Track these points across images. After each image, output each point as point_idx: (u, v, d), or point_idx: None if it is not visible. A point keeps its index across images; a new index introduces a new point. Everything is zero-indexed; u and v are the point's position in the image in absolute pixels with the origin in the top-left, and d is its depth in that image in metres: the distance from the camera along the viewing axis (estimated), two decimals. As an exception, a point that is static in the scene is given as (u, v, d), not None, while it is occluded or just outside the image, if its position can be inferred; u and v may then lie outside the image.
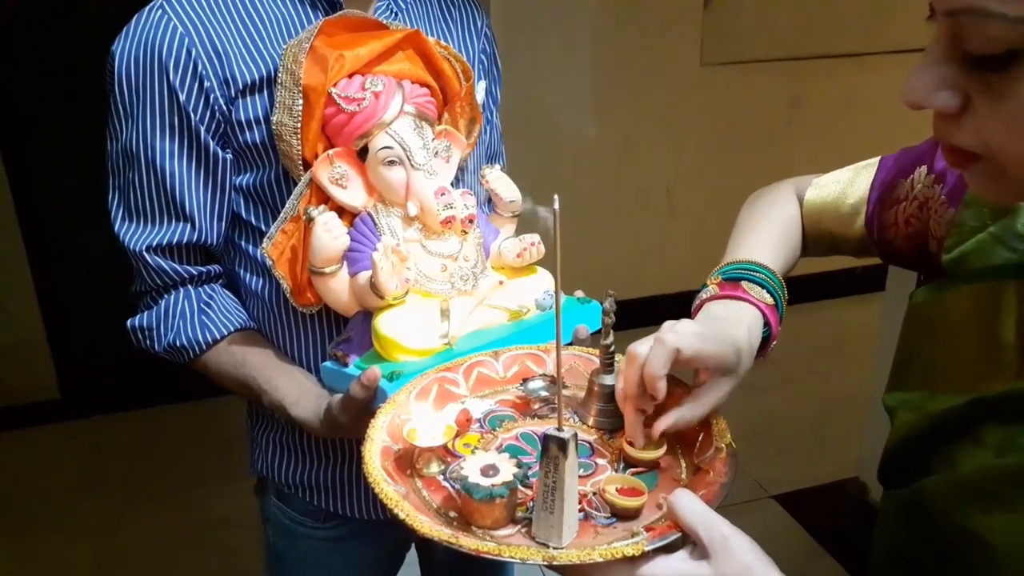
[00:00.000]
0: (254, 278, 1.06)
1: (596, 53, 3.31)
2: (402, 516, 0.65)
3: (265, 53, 0.97)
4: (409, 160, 0.93)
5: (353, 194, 0.95)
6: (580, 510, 0.68)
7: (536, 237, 1.01)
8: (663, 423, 0.74)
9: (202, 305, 1.04)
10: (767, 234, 0.94)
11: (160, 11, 0.96)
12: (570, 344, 0.98)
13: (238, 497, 1.81)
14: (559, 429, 0.64)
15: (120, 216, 1.03)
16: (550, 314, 0.99)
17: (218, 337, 1.03)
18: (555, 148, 3.30)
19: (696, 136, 3.55)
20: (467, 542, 0.62)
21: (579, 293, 1.05)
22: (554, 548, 0.63)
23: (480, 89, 1.11)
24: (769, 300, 0.85)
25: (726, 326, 0.80)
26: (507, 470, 0.67)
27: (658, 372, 0.72)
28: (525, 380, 0.86)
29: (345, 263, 0.94)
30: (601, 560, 0.60)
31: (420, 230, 0.95)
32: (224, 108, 0.97)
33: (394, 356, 0.89)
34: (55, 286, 3.10)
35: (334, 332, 1.04)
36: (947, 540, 0.66)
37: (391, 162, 0.93)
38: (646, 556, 0.61)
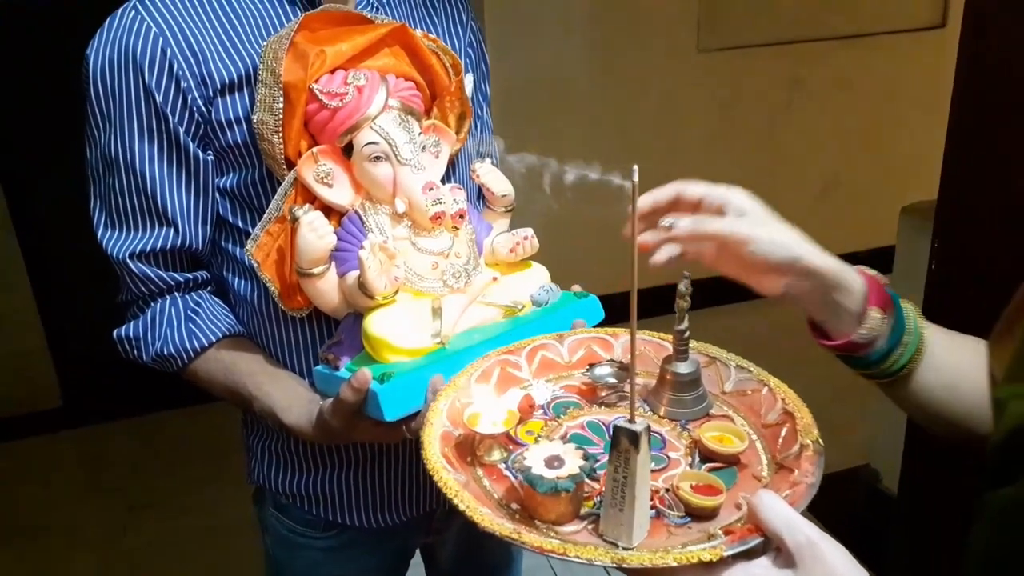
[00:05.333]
0: (242, 283, 1.03)
1: (592, 42, 3.28)
2: (462, 507, 0.61)
3: (243, 51, 0.95)
4: (395, 155, 0.90)
5: (339, 192, 0.92)
6: (652, 507, 0.63)
7: (529, 231, 0.98)
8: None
9: (189, 312, 1.02)
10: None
11: (133, 12, 0.93)
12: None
13: (240, 503, 1.79)
14: (631, 420, 0.59)
15: (102, 224, 1.00)
16: (546, 310, 0.96)
17: (206, 344, 1.00)
18: (551, 137, 3.27)
19: (695, 122, 3.52)
20: (530, 538, 0.58)
21: (576, 287, 1.02)
22: (623, 548, 0.59)
23: (468, 83, 1.08)
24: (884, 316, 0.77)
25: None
26: (573, 462, 0.63)
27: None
28: (591, 365, 0.81)
29: (333, 263, 0.91)
30: (675, 564, 0.56)
31: (410, 227, 0.92)
32: (203, 108, 0.94)
33: (385, 357, 0.87)
34: (54, 294, 3.09)
35: (325, 335, 1.01)
36: None
37: (377, 158, 0.90)
38: (724, 562, 0.56)
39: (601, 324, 0.95)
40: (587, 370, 0.81)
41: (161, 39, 0.92)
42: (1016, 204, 1.12)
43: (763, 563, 0.57)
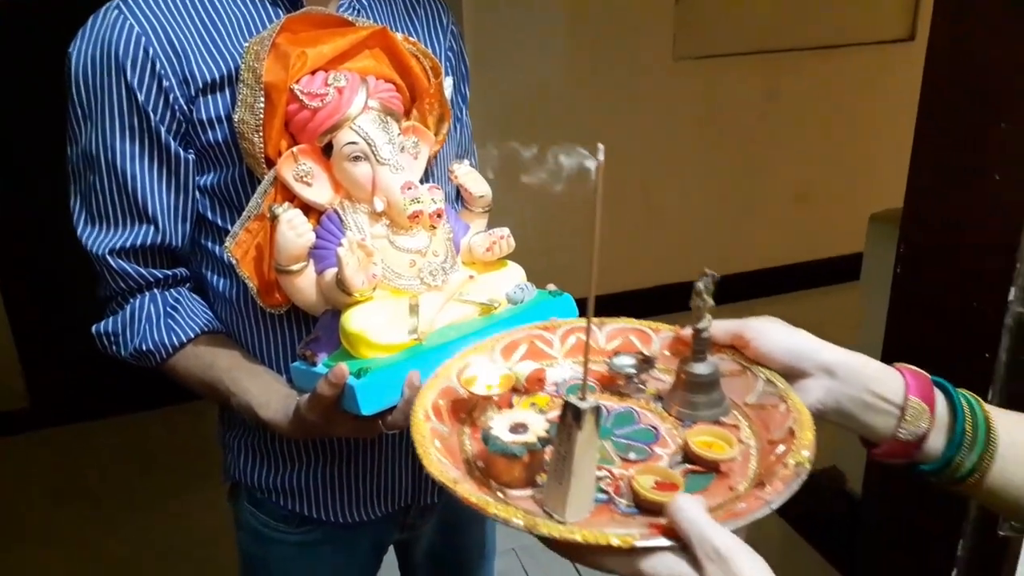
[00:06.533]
0: (221, 280, 1.04)
1: (569, 49, 3.31)
2: (419, 449, 0.63)
3: (225, 51, 0.96)
4: (374, 155, 0.92)
5: (319, 191, 0.94)
6: (605, 491, 0.64)
7: (506, 231, 1.00)
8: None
9: (168, 308, 1.03)
10: None
11: (116, 11, 0.94)
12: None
13: (214, 505, 1.79)
14: (582, 398, 0.60)
15: (83, 220, 1.01)
16: (521, 308, 0.98)
17: (184, 340, 1.01)
18: (529, 144, 3.29)
19: (671, 131, 3.56)
20: (462, 489, 0.59)
21: (551, 286, 1.04)
22: (552, 520, 0.59)
23: (447, 85, 1.10)
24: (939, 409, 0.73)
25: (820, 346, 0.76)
26: (536, 431, 0.64)
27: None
28: (616, 354, 0.82)
29: (312, 261, 0.93)
30: (582, 541, 0.56)
31: (388, 226, 0.94)
32: (184, 107, 0.95)
33: (362, 352, 0.88)
34: (23, 293, 3.06)
35: (303, 332, 1.02)
36: None
37: (356, 157, 0.92)
38: (638, 552, 0.56)
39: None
40: (610, 359, 0.81)
41: (144, 38, 0.93)
42: (977, 212, 1.16)
43: (675, 560, 0.56)
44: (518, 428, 0.65)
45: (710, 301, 0.74)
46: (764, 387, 0.76)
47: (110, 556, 2.53)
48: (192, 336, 1.02)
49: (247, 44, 0.94)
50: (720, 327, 0.78)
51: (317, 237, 0.92)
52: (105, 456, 2.99)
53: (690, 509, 0.57)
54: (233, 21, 0.98)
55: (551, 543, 0.59)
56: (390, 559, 1.33)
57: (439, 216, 0.94)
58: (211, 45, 0.96)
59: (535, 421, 0.66)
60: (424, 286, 0.94)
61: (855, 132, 3.82)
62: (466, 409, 0.74)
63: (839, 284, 3.61)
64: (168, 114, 0.95)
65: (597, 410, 0.60)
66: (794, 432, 0.68)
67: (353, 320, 0.88)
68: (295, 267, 0.91)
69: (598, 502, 0.63)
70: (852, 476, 2.49)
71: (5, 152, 2.91)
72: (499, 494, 0.63)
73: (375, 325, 0.89)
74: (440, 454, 0.64)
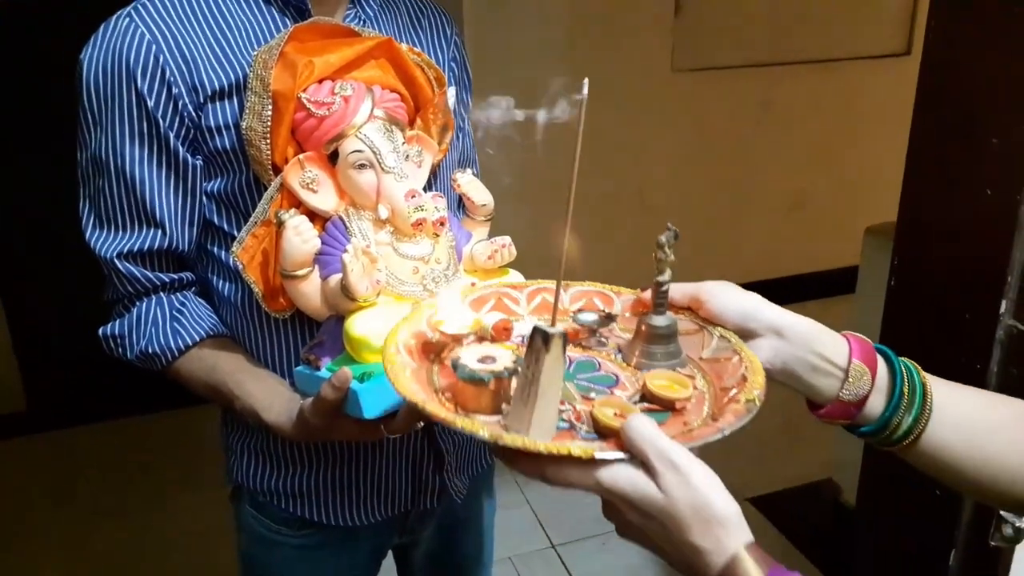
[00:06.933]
0: (226, 284, 1.06)
1: (568, 59, 3.33)
2: (389, 371, 0.67)
3: (233, 60, 0.98)
4: (379, 163, 0.94)
5: (324, 198, 0.95)
6: (567, 420, 0.67)
7: (507, 239, 1.01)
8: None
9: (174, 312, 1.04)
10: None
11: (128, 19, 0.96)
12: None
13: (209, 509, 1.80)
14: (551, 324, 0.62)
15: (91, 224, 1.03)
16: None
17: (190, 343, 1.03)
18: (527, 150, 3.31)
19: (667, 141, 3.58)
20: (433, 408, 0.63)
21: None
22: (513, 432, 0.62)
23: (450, 95, 1.12)
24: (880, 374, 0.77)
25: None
26: (504, 362, 0.67)
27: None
28: (580, 311, 0.85)
29: (316, 267, 0.94)
30: (544, 452, 0.59)
31: (391, 233, 0.95)
32: (193, 114, 0.97)
33: (365, 357, 0.89)
34: (22, 295, 3.06)
35: (306, 337, 1.04)
36: None
37: (361, 165, 0.93)
38: (606, 463, 0.60)
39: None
40: (574, 314, 0.84)
41: (154, 46, 0.95)
42: (969, 226, 1.18)
43: (633, 471, 0.60)
44: (486, 359, 0.68)
45: (671, 255, 0.77)
46: (718, 343, 0.80)
47: (107, 558, 2.53)
48: (197, 340, 1.03)
49: (255, 53, 0.95)
50: (677, 289, 0.82)
51: (322, 243, 0.94)
52: (103, 459, 2.99)
53: (645, 427, 0.60)
54: (241, 30, 0.99)
55: (513, 460, 0.62)
56: (388, 563, 1.34)
57: (442, 224, 0.95)
58: (220, 53, 0.98)
59: (502, 354, 0.69)
60: (427, 293, 0.95)
61: (851, 145, 3.85)
62: (435, 351, 0.76)
63: (835, 297, 3.62)
64: (177, 120, 0.97)
65: (564, 336, 0.63)
66: (746, 378, 0.72)
67: (357, 325, 0.90)
68: (300, 272, 0.93)
69: (560, 429, 0.66)
70: (847, 488, 2.50)
71: (5, 153, 2.91)
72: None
73: (378, 331, 0.90)
74: (410, 381, 0.67)
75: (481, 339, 0.79)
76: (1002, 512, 1.09)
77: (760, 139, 3.73)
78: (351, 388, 0.86)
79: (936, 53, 1.21)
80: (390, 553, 1.34)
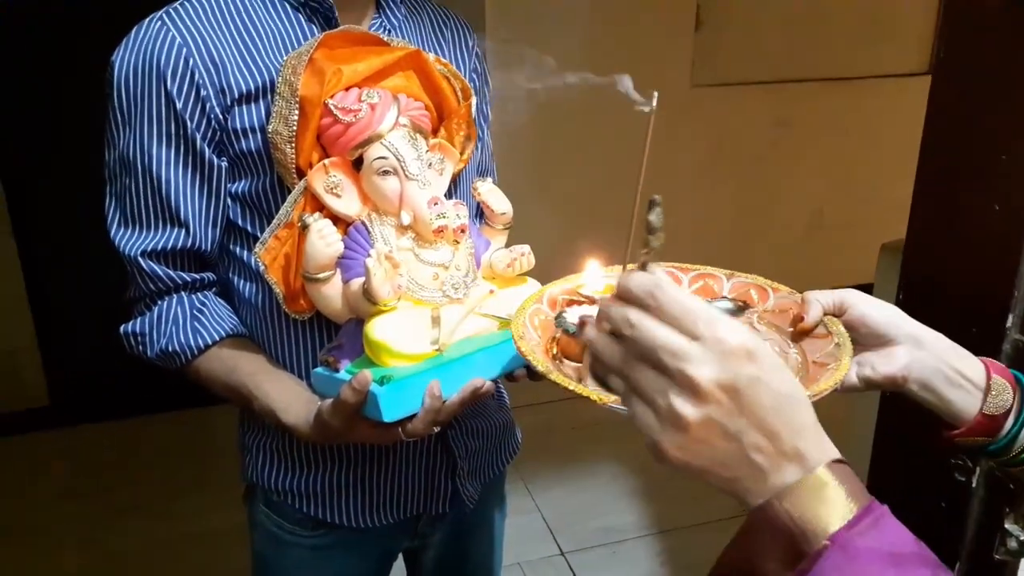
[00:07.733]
0: (247, 285, 1.07)
1: (589, 73, 3.35)
2: (517, 329, 0.80)
3: (261, 64, 0.99)
4: (403, 170, 0.95)
5: (347, 203, 0.97)
6: None
7: (526, 248, 1.03)
8: None
9: (195, 311, 1.06)
10: None
11: (160, 23, 0.98)
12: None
13: (225, 507, 1.81)
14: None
15: (116, 222, 1.04)
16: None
17: (209, 343, 1.04)
18: (548, 164, 3.33)
19: (686, 155, 3.59)
20: (531, 350, 0.76)
21: None
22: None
23: (471, 105, 1.13)
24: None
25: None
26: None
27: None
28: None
29: (339, 270, 0.95)
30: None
31: (413, 239, 0.97)
32: (220, 116, 0.98)
33: (385, 361, 0.91)
34: (47, 293, 3.10)
35: (325, 339, 1.05)
36: None
37: (385, 172, 0.95)
38: None
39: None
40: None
41: (185, 49, 0.96)
42: (977, 241, 1.18)
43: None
44: (585, 318, 0.78)
45: (662, 237, 0.78)
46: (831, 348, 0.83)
47: (123, 555, 2.55)
48: (217, 339, 1.05)
49: (285, 58, 0.97)
50: (825, 296, 0.86)
51: (344, 247, 0.95)
52: (120, 456, 3.02)
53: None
54: (270, 36, 1.01)
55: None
56: (398, 566, 1.35)
57: (463, 231, 0.97)
58: (248, 58, 0.99)
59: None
60: (446, 299, 0.96)
61: (870, 163, 3.84)
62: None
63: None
64: (204, 122, 0.98)
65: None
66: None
67: (377, 329, 0.91)
68: (322, 275, 0.94)
69: None
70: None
71: (40, 150, 2.95)
72: (558, 362, 0.81)
73: (398, 335, 0.91)
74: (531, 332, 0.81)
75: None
76: (1007, 525, 1.09)
77: (779, 155, 3.74)
78: (371, 391, 0.87)
79: (946, 70, 1.21)
80: (400, 556, 1.35)
